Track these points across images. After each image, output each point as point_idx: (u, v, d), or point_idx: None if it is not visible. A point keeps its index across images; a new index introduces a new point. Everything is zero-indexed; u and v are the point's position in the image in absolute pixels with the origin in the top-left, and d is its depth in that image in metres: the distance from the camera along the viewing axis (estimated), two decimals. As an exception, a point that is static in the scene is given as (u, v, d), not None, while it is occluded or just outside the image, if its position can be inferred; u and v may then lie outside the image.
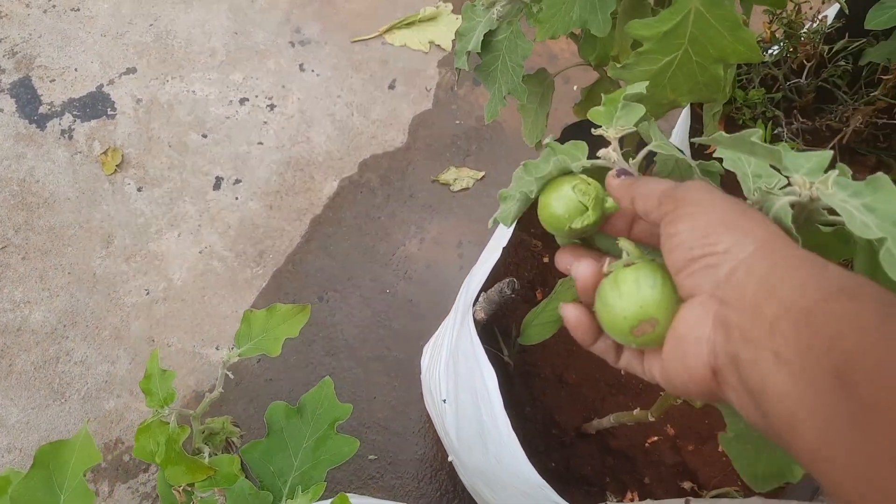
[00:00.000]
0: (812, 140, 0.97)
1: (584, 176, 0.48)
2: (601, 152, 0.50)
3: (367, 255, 1.36)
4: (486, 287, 0.76)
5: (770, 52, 0.93)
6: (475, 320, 0.79)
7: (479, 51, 0.73)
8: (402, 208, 1.40)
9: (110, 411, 1.22)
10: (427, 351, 1.12)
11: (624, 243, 0.44)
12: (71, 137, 1.43)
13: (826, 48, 0.97)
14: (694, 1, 0.56)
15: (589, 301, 0.44)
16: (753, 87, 0.91)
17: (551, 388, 0.89)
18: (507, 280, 0.70)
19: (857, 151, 1.04)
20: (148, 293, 1.31)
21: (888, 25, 0.85)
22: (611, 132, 0.51)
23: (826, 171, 0.43)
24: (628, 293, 0.40)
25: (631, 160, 0.51)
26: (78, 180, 1.39)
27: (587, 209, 0.46)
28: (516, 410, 0.88)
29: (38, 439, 1.21)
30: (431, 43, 1.56)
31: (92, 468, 1.18)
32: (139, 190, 1.38)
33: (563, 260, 0.47)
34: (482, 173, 1.44)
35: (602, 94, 0.60)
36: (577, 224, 0.46)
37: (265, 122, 1.46)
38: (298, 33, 1.55)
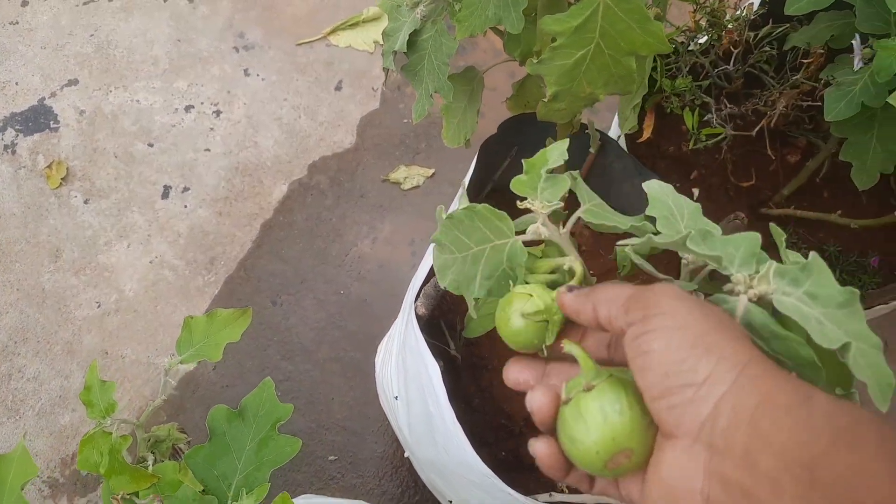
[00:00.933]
0: (742, 125, 1.00)
1: (529, 291, 0.45)
2: (530, 229, 0.48)
3: (319, 258, 1.36)
4: (425, 283, 0.77)
5: (696, 40, 0.96)
6: (418, 316, 0.80)
7: (406, 50, 0.74)
8: (353, 209, 1.41)
9: (66, 426, 1.21)
10: (381, 350, 1.13)
11: (573, 348, 0.40)
12: (14, 152, 1.41)
13: (752, 35, 1.00)
14: (602, -5, 0.57)
15: (550, 429, 0.40)
16: (682, 76, 0.93)
17: (499, 378, 0.90)
18: (441, 274, 0.71)
19: (787, 134, 1.07)
20: (99, 306, 1.30)
21: (806, 10, 0.88)
22: (537, 205, 0.49)
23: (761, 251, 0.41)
24: (596, 426, 0.36)
25: (561, 229, 0.50)
26: (23, 195, 1.37)
27: (547, 327, 0.43)
28: (465, 403, 0.90)
29: (-8, 459, 1.20)
30: (376, 43, 1.57)
31: (49, 483, 1.17)
32: (86, 202, 1.37)
33: (513, 376, 0.44)
34: (432, 171, 1.45)
35: (543, 95, 0.61)
36: (548, 341, 0.43)
37: (211, 129, 1.45)
38: (242, 38, 1.55)
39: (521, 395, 0.93)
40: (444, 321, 0.90)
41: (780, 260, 0.42)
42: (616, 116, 1.19)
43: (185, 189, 1.40)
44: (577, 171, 0.55)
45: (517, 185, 0.52)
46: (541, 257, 0.53)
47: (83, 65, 1.50)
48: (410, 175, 1.45)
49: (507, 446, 0.87)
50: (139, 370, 1.25)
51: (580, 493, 0.88)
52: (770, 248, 0.42)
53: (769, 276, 0.39)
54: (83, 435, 1.20)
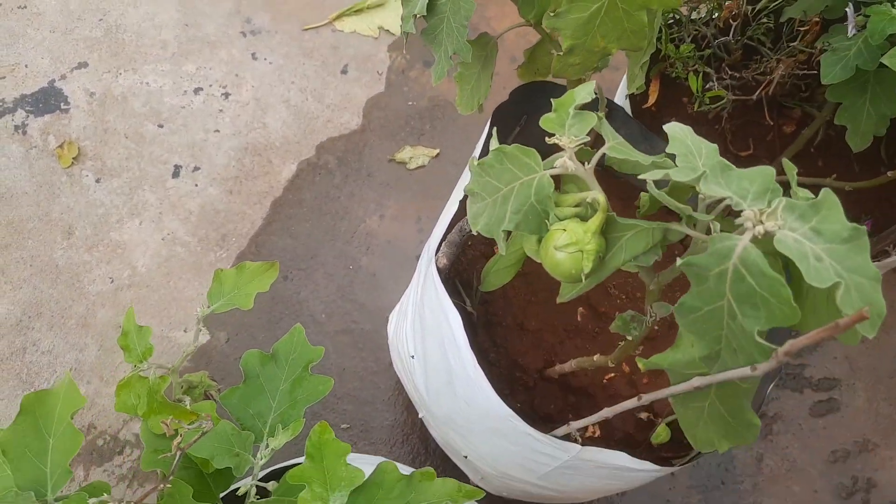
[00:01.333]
0: (741, 93, 1.04)
1: (563, 226, 0.51)
2: (558, 162, 0.52)
3: (328, 234, 1.39)
4: (448, 231, 0.80)
5: (697, 10, 1.00)
6: (438, 268, 0.84)
7: (425, 14, 0.78)
8: (360, 187, 1.44)
9: (82, 398, 1.23)
10: (393, 318, 1.16)
11: None
12: (25, 133, 1.43)
13: (750, 8, 1.04)
14: (618, -50, 0.61)
15: None
16: (685, 44, 0.97)
17: (513, 335, 0.94)
18: (466, 218, 0.74)
19: (783, 105, 1.11)
20: (112, 281, 1.32)
21: (802, -18, 0.92)
22: (565, 141, 0.52)
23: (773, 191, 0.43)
24: None
25: (586, 164, 0.54)
26: (35, 174, 1.39)
27: (582, 256, 0.51)
28: (481, 357, 0.93)
29: (9, 431, 1.22)
30: (381, 28, 1.60)
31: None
32: (97, 181, 1.40)
33: None
34: (437, 151, 1.49)
35: (552, 55, 0.64)
36: (585, 270, 0.51)
37: (221, 111, 1.48)
38: (249, 23, 1.58)
39: (534, 350, 0.96)
40: (459, 280, 0.93)
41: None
42: (620, 88, 1.23)
43: (196, 168, 1.42)
44: (602, 112, 0.58)
45: (546, 122, 0.56)
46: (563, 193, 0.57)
47: (92, 48, 1.52)
48: (416, 155, 1.48)
49: (521, 398, 0.90)
50: (153, 344, 1.28)
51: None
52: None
53: (778, 211, 0.41)
54: (101, 407, 1.23)
